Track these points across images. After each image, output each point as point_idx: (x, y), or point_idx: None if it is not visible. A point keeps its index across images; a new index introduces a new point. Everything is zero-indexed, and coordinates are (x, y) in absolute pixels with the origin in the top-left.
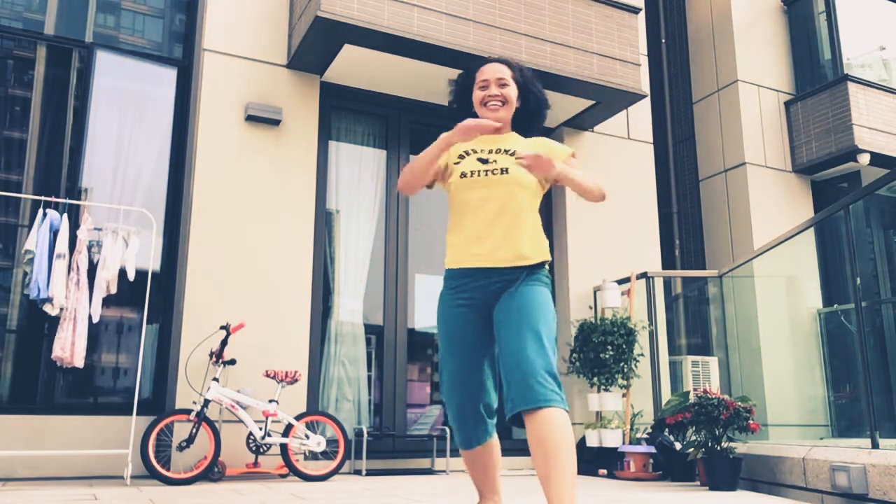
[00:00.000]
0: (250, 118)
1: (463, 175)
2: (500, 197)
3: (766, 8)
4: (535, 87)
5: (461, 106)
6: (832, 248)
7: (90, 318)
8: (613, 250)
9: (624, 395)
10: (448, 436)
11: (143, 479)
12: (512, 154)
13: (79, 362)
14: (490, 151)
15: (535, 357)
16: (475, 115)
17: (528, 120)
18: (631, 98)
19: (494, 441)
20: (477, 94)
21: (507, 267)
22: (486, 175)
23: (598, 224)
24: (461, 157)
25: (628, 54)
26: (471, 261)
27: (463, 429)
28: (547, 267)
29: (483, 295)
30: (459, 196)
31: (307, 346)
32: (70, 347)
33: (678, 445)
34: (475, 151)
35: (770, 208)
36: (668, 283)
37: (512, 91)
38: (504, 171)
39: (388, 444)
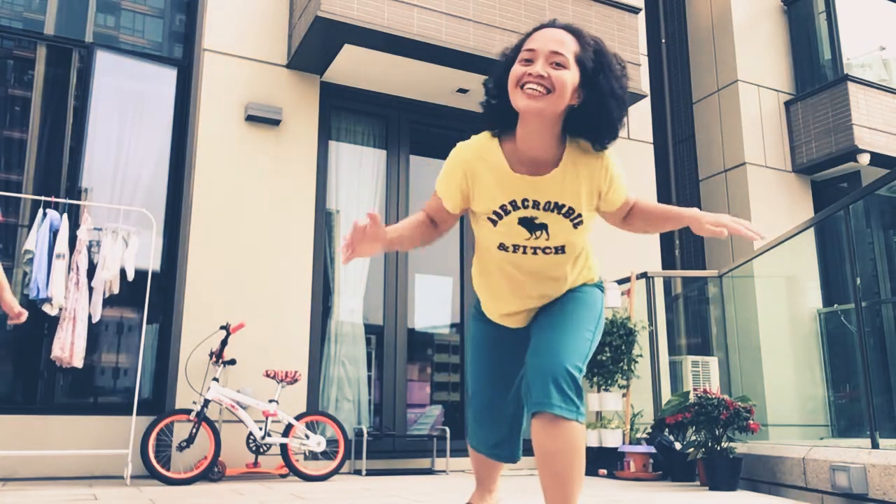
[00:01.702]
0: (250, 118)
1: (503, 248)
2: (547, 271)
3: (766, 8)
4: (608, 83)
5: (496, 88)
6: (832, 248)
7: (90, 318)
8: (613, 250)
9: (624, 395)
10: (448, 436)
11: (143, 479)
12: (566, 212)
13: (78, 362)
14: (537, 205)
15: (561, 350)
16: (509, 105)
17: (590, 126)
18: (631, 98)
19: None
20: (515, 70)
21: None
22: (536, 254)
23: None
24: (501, 210)
25: (628, 54)
26: (503, 321)
27: (495, 441)
28: (598, 278)
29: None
30: (494, 258)
31: (307, 346)
32: (69, 347)
33: (678, 445)
34: (519, 204)
35: (770, 208)
36: (668, 283)
37: (569, 77)
38: (560, 250)
39: (388, 444)
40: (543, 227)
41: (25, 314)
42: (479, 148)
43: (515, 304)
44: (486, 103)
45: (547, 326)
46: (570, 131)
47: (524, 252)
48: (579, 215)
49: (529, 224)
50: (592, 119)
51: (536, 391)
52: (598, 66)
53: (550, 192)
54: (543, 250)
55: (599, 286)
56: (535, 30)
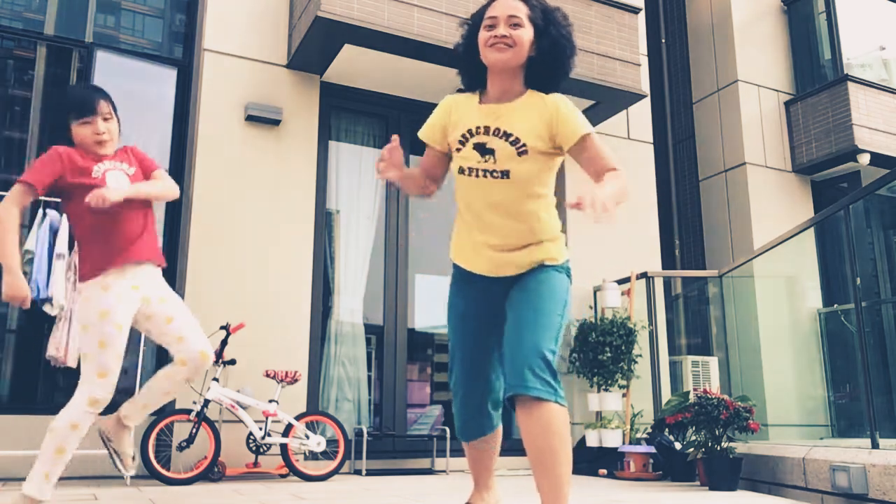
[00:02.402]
0: (250, 118)
1: (461, 171)
2: (507, 204)
3: (766, 8)
4: (557, 30)
5: (466, 51)
6: (832, 248)
7: None
8: (613, 250)
9: (624, 395)
10: (448, 436)
11: (143, 479)
12: (513, 141)
13: (72, 362)
14: (487, 131)
15: (533, 337)
16: (480, 63)
17: (546, 72)
18: (631, 98)
19: (496, 434)
20: (482, 35)
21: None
22: (486, 176)
23: (598, 224)
24: (463, 138)
25: (628, 54)
26: (480, 267)
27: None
28: (564, 261)
29: (496, 288)
30: (460, 191)
31: (307, 346)
32: (64, 347)
33: (678, 445)
34: (474, 132)
35: (770, 208)
36: (668, 283)
37: (525, 33)
38: (504, 174)
39: (388, 444)
40: (491, 151)
41: (29, 299)
42: (462, 96)
43: (488, 238)
44: (459, 63)
45: (516, 317)
46: (531, 84)
47: (477, 175)
48: (524, 144)
49: (481, 148)
50: (548, 63)
51: (513, 377)
52: (546, 21)
53: (503, 120)
54: (492, 173)
55: (566, 270)
56: (493, 0)
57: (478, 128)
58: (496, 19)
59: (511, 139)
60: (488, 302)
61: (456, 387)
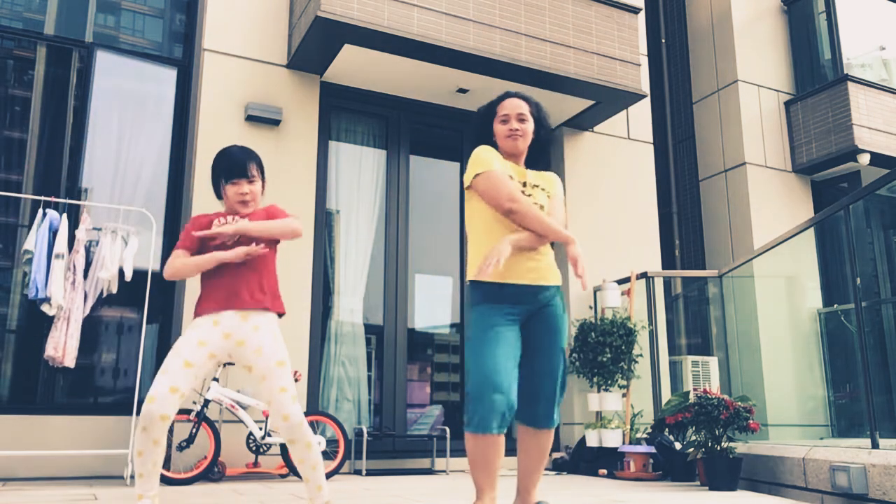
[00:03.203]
0: (250, 118)
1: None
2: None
3: (766, 8)
4: (546, 122)
5: (480, 134)
6: (832, 248)
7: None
8: (613, 250)
9: (624, 395)
10: (448, 436)
11: None
12: (543, 192)
13: (70, 362)
14: (524, 184)
15: (557, 383)
16: (494, 144)
17: (539, 151)
18: (631, 98)
19: (503, 439)
20: (499, 128)
21: (551, 286)
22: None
23: (598, 224)
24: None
25: (628, 54)
26: (522, 277)
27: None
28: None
29: (528, 309)
30: (500, 218)
31: (307, 346)
32: (62, 347)
33: (678, 445)
34: (512, 177)
35: (770, 208)
36: (668, 283)
37: (530, 126)
38: (540, 209)
39: (388, 444)
40: (529, 194)
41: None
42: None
43: (534, 253)
44: (478, 136)
45: (537, 352)
46: (528, 155)
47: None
48: (542, 206)
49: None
50: (542, 146)
51: (534, 411)
52: (540, 116)
53: (525, 177)
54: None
55: (562, 295)
56: (503, 99)
57: (514, 177)
58: (508, 116)
59: (543, 190)
60: (519, 322)
61: (487, 375)
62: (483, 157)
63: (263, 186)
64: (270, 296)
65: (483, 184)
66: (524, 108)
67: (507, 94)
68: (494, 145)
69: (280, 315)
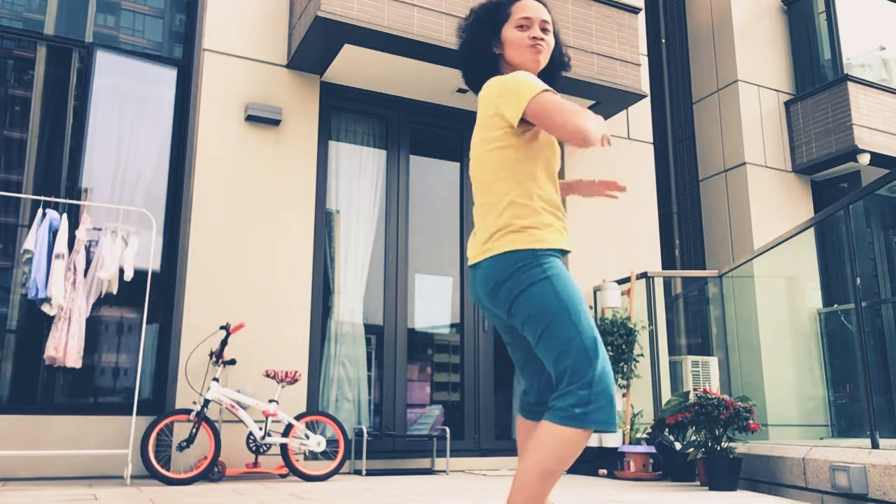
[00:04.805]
0: (250, 118)
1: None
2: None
3: (766, 8)
4: (560, 40)
5: (478, 45)
6: (832, 248)
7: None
8: (613, 250)
9: (624, 395)
10: (448, 436)
11: (143, 479)
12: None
13: (71, 362)
14: None
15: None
16: (494, 57)
17: (550, 79)
18: (631, 98)
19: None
20: (517, 34)
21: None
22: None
23: (598, 224)
24: None
25: (628, 54)
26: (568, 241)
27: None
28: None
29: None
30: (553, 164)
31: (307, 346)
32: (63, 348)
33: (678, 445)
34: None
35: (770, 208)
36: (668, 283)
37: (552, 39)
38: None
39: (388, 444)
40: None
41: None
42: None
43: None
44: (470, 59)
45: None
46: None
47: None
48: None
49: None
50: (554, 69)
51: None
52: (555, 31)
53: None
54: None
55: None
56: (515, 0)
57: None
58: (530, 20)
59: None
60: None
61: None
62: (531, 78)
63: None
64: None
65: (545, 105)
66: (548, 16)
67: None
68: (493, 67)
69: None
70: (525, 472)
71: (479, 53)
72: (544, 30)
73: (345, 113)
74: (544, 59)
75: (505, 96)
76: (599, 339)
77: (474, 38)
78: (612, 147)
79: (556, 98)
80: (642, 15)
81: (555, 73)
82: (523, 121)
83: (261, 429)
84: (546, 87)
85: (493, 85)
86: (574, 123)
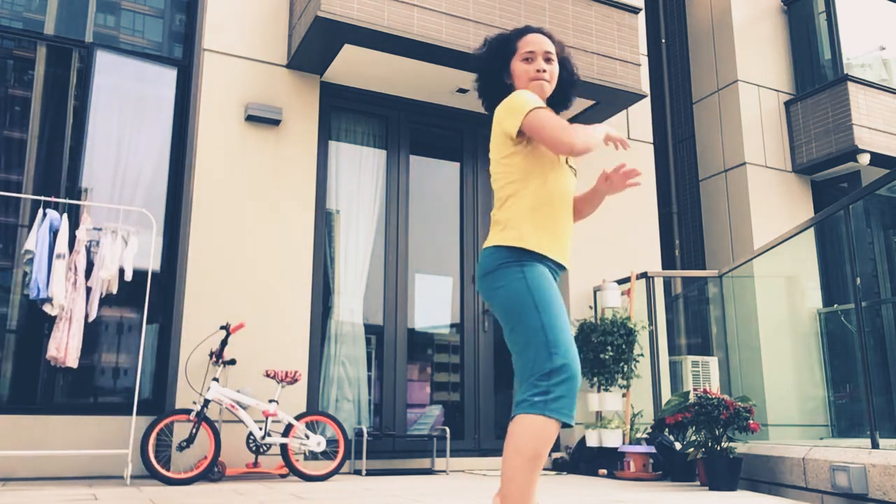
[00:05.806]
0: (250, 118)
1: (558, 164)
2: (571, 196)
3: (766, 8)
4: (570, 65)
5: (490, 77)
6: (832, 248)
7: (86, 317)
8: (613, 250)
9: (624, 395)
10: (448, 436)
11: (143, 479)
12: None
13: (72, 362)
14: None
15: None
16: (506, 86)
17: (559, 101)
18: (631, 98)
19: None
20: (523, 66)
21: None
22: (570, 168)
23: (598, 224)
24: None
25: (628, 54)
26: (562, 256)
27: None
28: None
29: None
30: (554, 178)
31: (307, 346)
32: (64, 348)
33: (678, 445)
34: None
35: (770, 208)
36: (668, 283)
37: (556, 68)
38: (573, 171)
39: (388, 444)
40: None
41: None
42: None
43: (567, 233)
44: (486, 86)
45: None
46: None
47: (567, 166)
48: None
49: None
50: (564, 92)
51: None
52: (564, 58)
53: None
54: (570, 167)
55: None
56: (524, 34)
57: None
58: (534, 54)
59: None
60: None
61: (578, 366)
62: (529, 97)
63: None
64: None
65: (537, 121)
66: (550, 47)
67: (528, 29)
68: (503, 92)
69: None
70: (507, 461)
71: (494, 85)
72: (548, 59)
73: (345, 113)
74: (549, 88)
75: (507, 113)
76: (567, 339)
77: (488, 70)
78: (611, 147)
79: (546, 114)
80: (642, 15)
81: (566, 93)
82: (522, 133)
83: (261, 429)
84: (541, 104)
85: (500, 106)
86: (559, 137)
